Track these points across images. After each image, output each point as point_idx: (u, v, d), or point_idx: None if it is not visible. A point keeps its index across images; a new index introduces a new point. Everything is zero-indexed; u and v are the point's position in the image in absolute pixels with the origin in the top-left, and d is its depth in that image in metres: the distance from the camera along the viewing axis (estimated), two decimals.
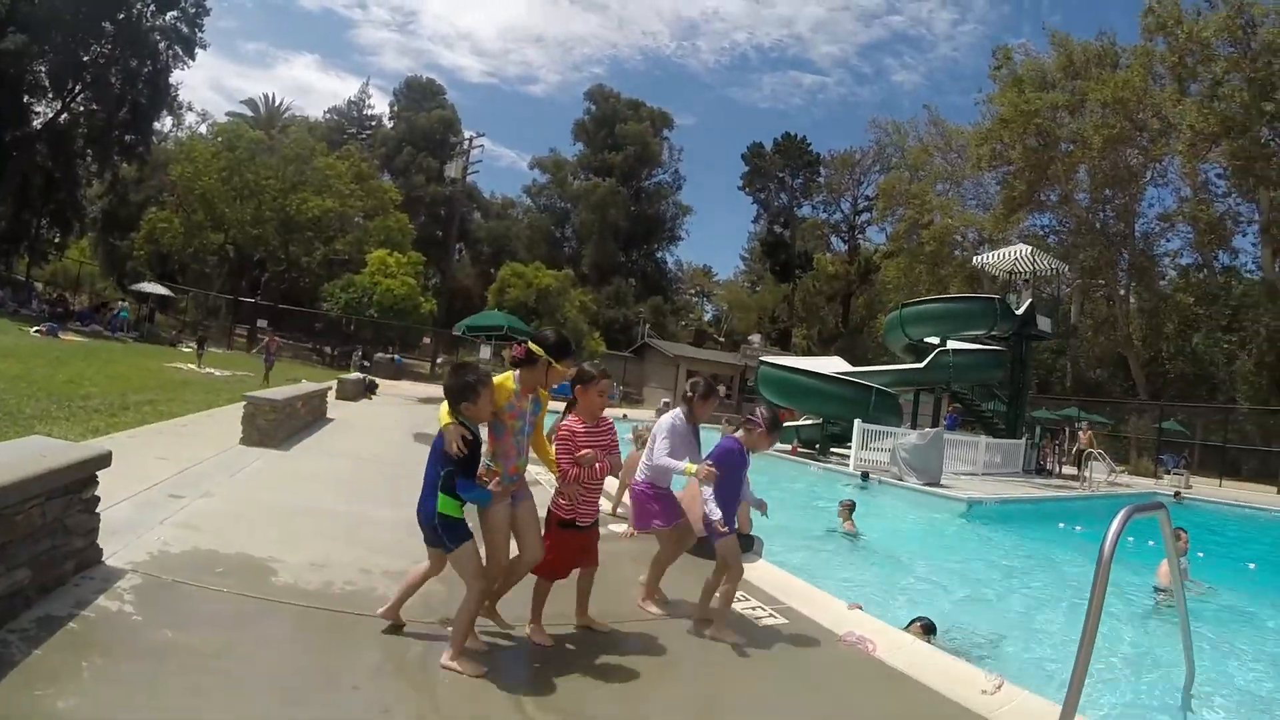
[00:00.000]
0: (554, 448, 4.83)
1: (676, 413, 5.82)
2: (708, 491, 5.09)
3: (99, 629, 3.85)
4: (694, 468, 5.21)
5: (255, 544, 5.62)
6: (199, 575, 4.79)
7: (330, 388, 16.83)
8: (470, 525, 4.33)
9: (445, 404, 4.37)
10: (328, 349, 41.57)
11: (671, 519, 5.65)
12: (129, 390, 13.81)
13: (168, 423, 10.94)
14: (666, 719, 4.06)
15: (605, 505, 9.04)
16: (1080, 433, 22.61)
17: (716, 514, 5.04)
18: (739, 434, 5.52)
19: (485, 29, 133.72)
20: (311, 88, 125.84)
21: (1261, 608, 9.33)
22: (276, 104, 61.35)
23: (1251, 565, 12.44)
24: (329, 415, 14.58)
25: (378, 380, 23.13)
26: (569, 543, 4.88)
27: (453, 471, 4.22)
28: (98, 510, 4.56)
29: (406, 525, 6.88)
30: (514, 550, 4.78)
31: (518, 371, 4.66)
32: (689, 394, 5.85)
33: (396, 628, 4.50)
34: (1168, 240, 40.90)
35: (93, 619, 3.92)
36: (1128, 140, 36.29)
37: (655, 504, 5.64)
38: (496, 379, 4.54)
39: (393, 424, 15.78)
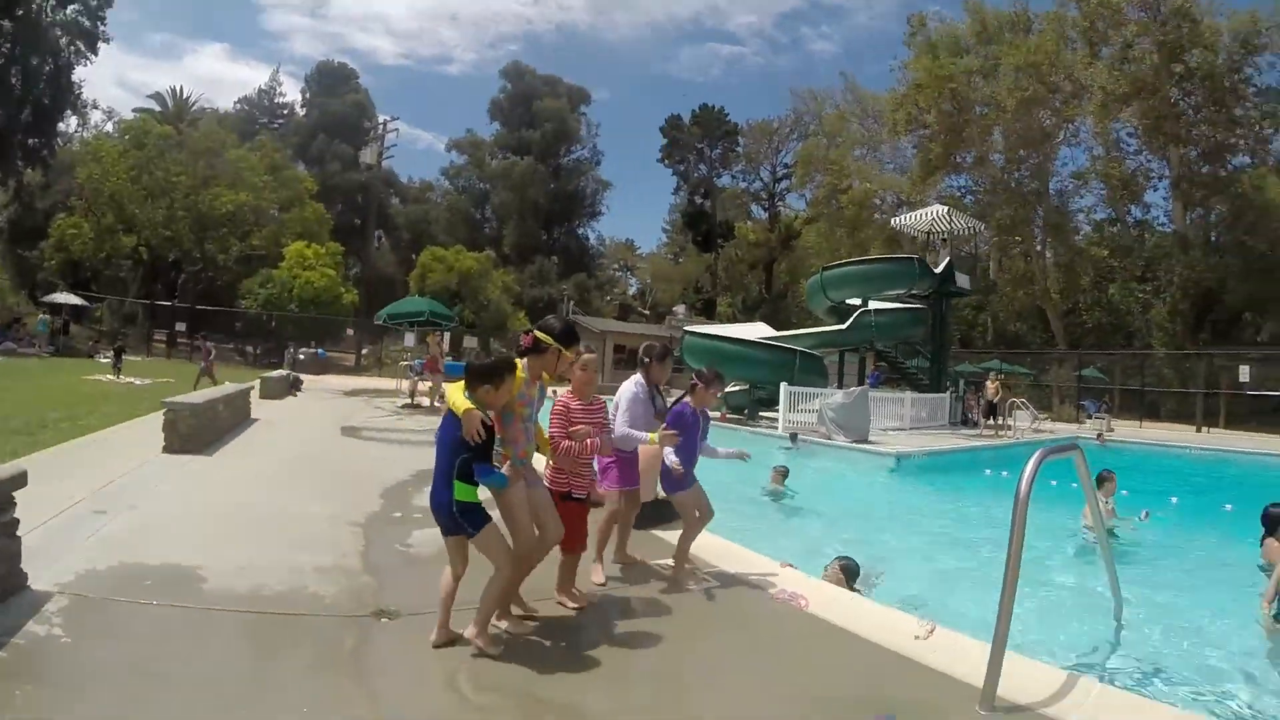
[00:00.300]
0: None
1: (636, 379, 5.92)
2: (669, 454, 5.45)
3: (29, 656, 3.78)
4: (655, 436, 5.42)
5: (183, 553, 5.55)
6: (127, 591, 4.72)
7: (253, 387, 16.53)
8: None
9: (459, 389, 4.42)
10: (250, 348, 40.55)
11: (625, 484, 5.81)
12: (47, 408, 13.36)
13: (88, 437, 10.62)
14: (617, 687, 4.10)
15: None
16: (988, 384, 22.98)
17: (677, 463, 5.45)
18: (687, 398, 5.84)
19: (399, 9, 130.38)
20: (221, 78, 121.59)
21: (1183, 539, 9.71)
22: (185, 97, 59.41)
23: (1173, 499, 12.85)
24: (253, 415, 14.29)
25: (302, 377, 22.71)
26: (571, 513, 5.04)
27: (469, 458, 4.27)
28: (18, 534, 4.46)
29: (333, 519, 6.96)
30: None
31: (524, 360, 4.74)
32: (645, 359, 6.05)
33: (452, 641, 4.38)
34: (1081, 197, 42.15)
35: (22, 646, 3.85)
36: (1041, 102, 37.08)
37: (614, 467, 5.74)
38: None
39: (318, 419, 15.57)
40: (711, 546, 6.73)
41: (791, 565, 6.49)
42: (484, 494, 4.31)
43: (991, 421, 22.42)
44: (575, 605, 5.13)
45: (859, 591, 6.26)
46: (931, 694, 4.05)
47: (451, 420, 4.34)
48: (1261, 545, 8.31)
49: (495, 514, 4.48)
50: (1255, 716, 4.92)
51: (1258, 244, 34.15)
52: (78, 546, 5.50)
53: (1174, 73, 33.85)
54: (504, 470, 4.47)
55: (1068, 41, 38.19)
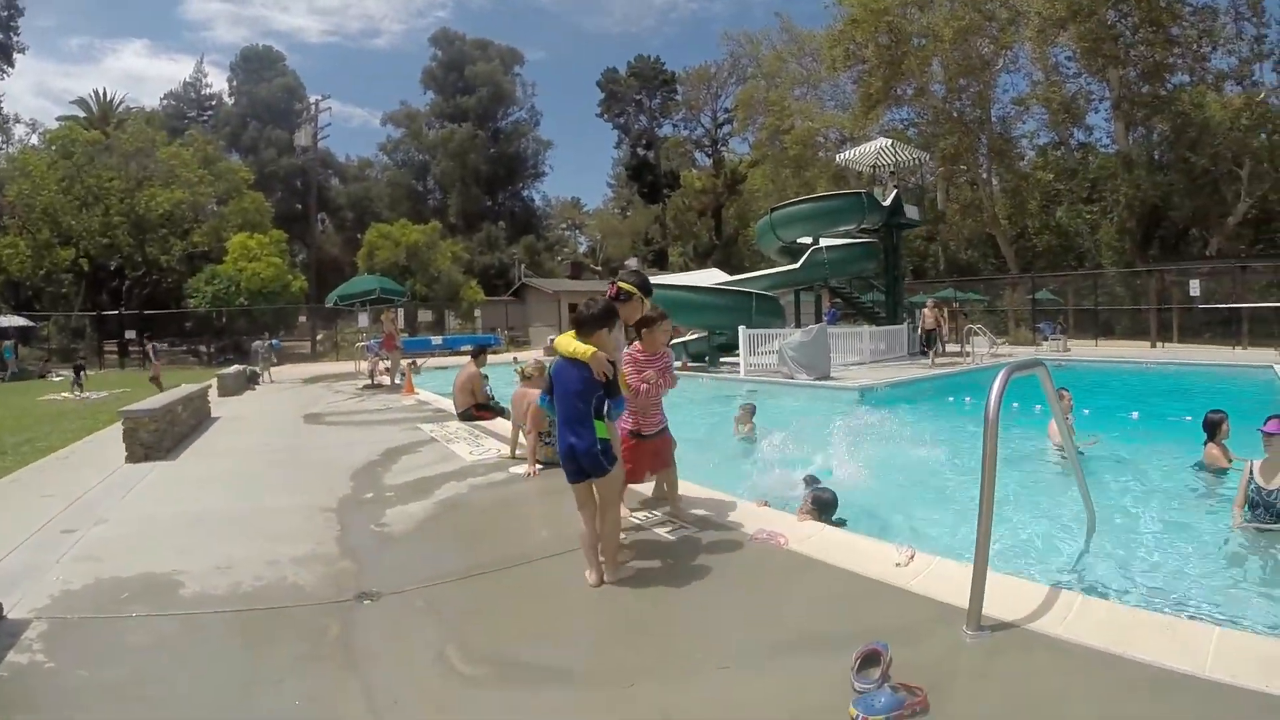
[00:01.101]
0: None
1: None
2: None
3: (13, 686, 3.72)
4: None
5: (157, 561, 5.46)
6: (106, 607, 4.66)
7: (210, 385, 16.29)
8: None
9: (568, 339, 4.78)
10: (203, 348, 39.86)
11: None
12: (5, 432, 13.10)
13: (50, 458, 10.42)
14: (601, 642, 4.17)
15: (504, 449, 9.15)
16: (924, 311, 23.02)
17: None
18: (635, 343, 5.85)
19: None
20: (144, 75, 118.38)
21: (1149, 451, 9.82)
22: (109, 99, 57.57)
23: (1134, 415, 13.11)
24: (214, 414, 14.10)
25: (257, 369, 22.40)
26: (641, 449, 5.72)
27: (601, 398, 4.63)
28: None
29: (305, 508, 6.91)
30: None
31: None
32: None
33: (604, 580, 4.74)
34: (1024, 123, 42.17)
35: (5, 677, 3.78)
36: (978, 31, 37.04)
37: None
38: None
39: (280, 410, 15.35)
40: (686, 492, 6.77)
41: (768, 504, 6.54)
42: None
43: (931, 351, 22.11)
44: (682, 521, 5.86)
45: (843, 523, 6.31)
46: (917, 618, 4.10)
47: (571, 368, 4.70)
48: (1204, 448, 8.62)
49: None
50: (1236, 614, 5.04)
51: (1200, 160, 34.59)
52: (50, 569, 5.39)
53: None
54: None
55: None
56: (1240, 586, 5.61)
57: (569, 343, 4.75)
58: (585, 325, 4.75)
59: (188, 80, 73.83)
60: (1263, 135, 33.30)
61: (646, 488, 6.53)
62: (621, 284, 5.49)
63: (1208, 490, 8.12)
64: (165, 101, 70.52)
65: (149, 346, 22.44)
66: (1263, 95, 33.81)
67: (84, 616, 4.53)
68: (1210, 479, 8.37)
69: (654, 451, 5.82)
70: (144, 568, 5.34)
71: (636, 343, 5.74)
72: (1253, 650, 3.58)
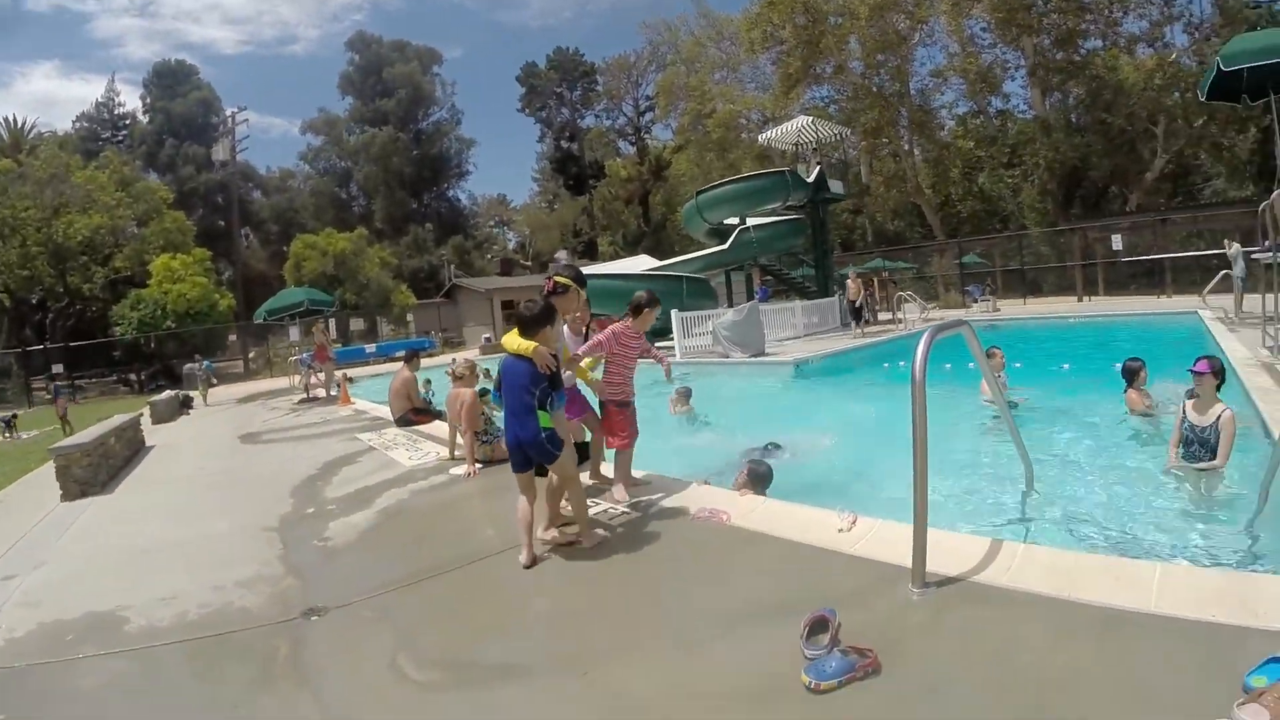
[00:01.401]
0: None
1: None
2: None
3: None
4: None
5: (100, 599, 5.39)
6: (51, 651, 4.60)
7: (142, 414, 15.96)
8: None
9: (513, 336, 5.10)
10: (133, 376, 38.72)
11: (577, 413, 6.25)
12: None
13: None
14: (551, 634, 4.19)
15: (443, 451, 9.15)
16: (848, 284, 23.21)
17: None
18: (626, 323, 6.40)
19: None
20: (55, 98, 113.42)
21: (1081, 401, 10.04)
22: (20, 125, 55.70)
23: (1065, 366, 13.45)
24: (148, 443, 13.80)
25: (191, 393, 21.93)
26: (629, 417, 6.30)
27: (548, 388, 4.98)
28: None
29: (246, 529, 6.88)
30: None
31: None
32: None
33: (536, 560, 5.08)
34: (942, 94, 42.78)
35: None
36: (893, 6, 37.47)
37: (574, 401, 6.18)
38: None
39: (215, 432, 15.08)
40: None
41: (708, 482, 6.63)
42: None
43: (858, 322, 22.14)
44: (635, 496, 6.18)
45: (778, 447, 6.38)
46: (863, 581, 4.19)
47: (517, 363, 5.03)
48: (1125, 395, 8.94)
49: None
50: (1175, 546, 5.23)
51: (1116, 120, 35.47)
52: None
53: None
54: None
55: None
56: (1178, 523, 5.78)
57: (513, 340, 5.07)
58: (527, 325, 5.05)
59: (100, 101, 71.10)
60: (1176, 94, 34.12)
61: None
62: (557, 278, 5.91)
63: (1136, 434, 8.38)
64: (78, 124, 68.06)
65: (52, 385, 21.64)
66: (1174, 56, 34.68)
67: (31, 664, 4.47)
68: (1137, 423, 8.65)
69: (634, 416, 6.37)
70: (88, 607, 5.27)
71: (628, 322, 6.32)
72: (1195, 583, 3.73)
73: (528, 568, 4.96)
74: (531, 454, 5.06)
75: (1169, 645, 3.17)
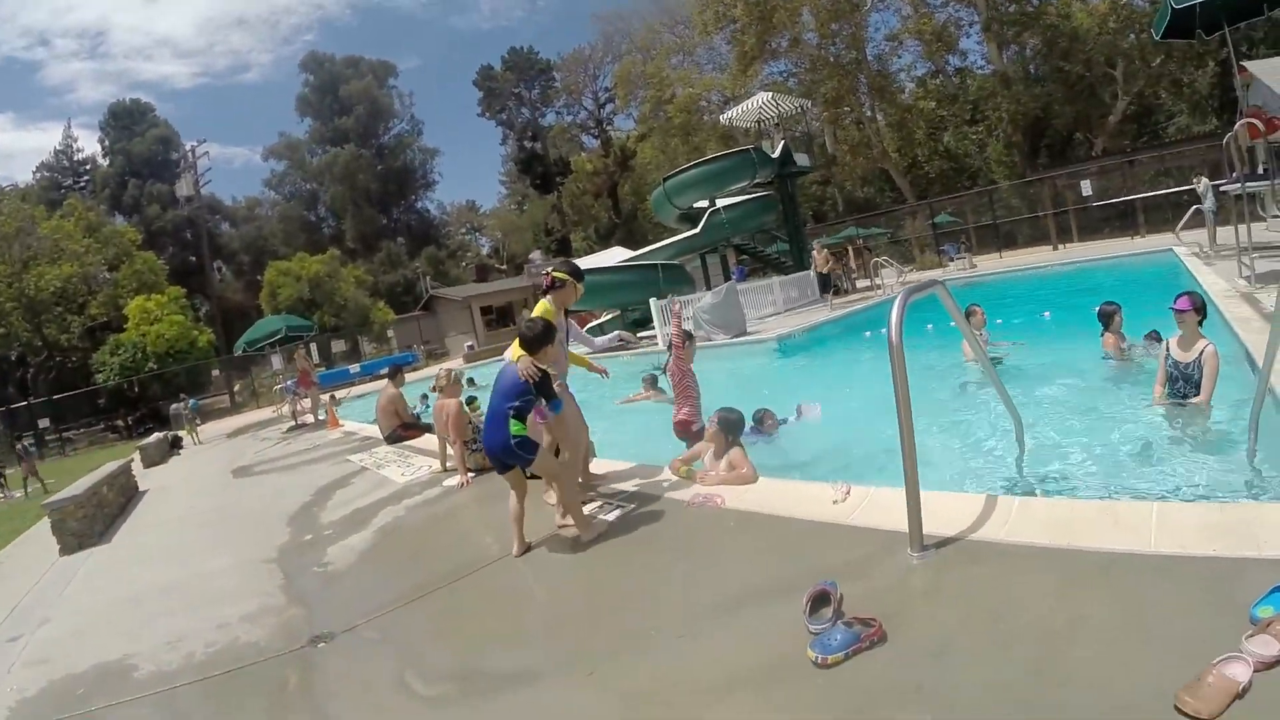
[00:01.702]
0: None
1: None
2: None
3: None
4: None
5: (107, 650, 5.36)
6: (63, 708, 4.56)
7: (133, 459, 15.84)
8: None
9: (515, 346, 5.48)
10: (120, 422, 38.38)
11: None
12: None
13: None
14: (556, 636, 4.17)
15: (435, 464, 9.14)
16: (814, 255, 23.06)
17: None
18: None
19: (182, 27, 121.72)
20: (12, 150, 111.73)
21: (1065, 349, 9.94)
22: None
23: (1046, 314, 13.44)
24: (141, 487, 13.70)
25: (180, 433, 21.79)
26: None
27: (530, 400, 5.20)
28: None
29: (246, 564, 6.88)
30: None
31: (549, 296, 6.06)
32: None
33: (529, 547, 5.45)
34: (900, 57, 42.77)
35: None
36: None
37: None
38: (540, 309, 5.97)
39: (207, 470, 15.04)
40: (614, 468, 6.94)
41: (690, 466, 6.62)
42: None
43: (828, 294, 21.95)
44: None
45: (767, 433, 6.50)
46: (862, 551, 4.19)
47: (508, 371, 5.34)
48: (1101, 339, 8.95)
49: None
50: (1169, 485, 5.21)
51: (1074, 68, 35.71)
52: (2, 680, 5.26)
53: None
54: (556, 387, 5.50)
55: None
56: (1171, 462, 5.75)
57: (513, 350, 5.51)
58: (529, 345, 5.34)
59: (58, 148, 70.25)
60: (1131, 36, 34.28)
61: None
62: (555, 273, 6.15)
63: (1115, 377, 8.39)
64: (39, 174, 67.38)
65: (19, 447, 21.33)
66: None
67: None
68: (1115, 366, 8.66)
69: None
70: (95, 659, 5.25)
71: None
72: (1193, 519, 3.73)
73: (518, 556, 5.30)
74: (503, 459, 5.29)
75: (1172, 584, 3.18)
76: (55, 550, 9.35)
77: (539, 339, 5.34)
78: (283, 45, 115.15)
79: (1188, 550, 3.36)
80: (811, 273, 23.59)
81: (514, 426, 5.12)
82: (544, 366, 5.29)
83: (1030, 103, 36.36)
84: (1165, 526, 3.62)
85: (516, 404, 5.15)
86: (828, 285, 21.67)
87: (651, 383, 12.08)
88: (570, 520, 5.59)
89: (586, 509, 5.90)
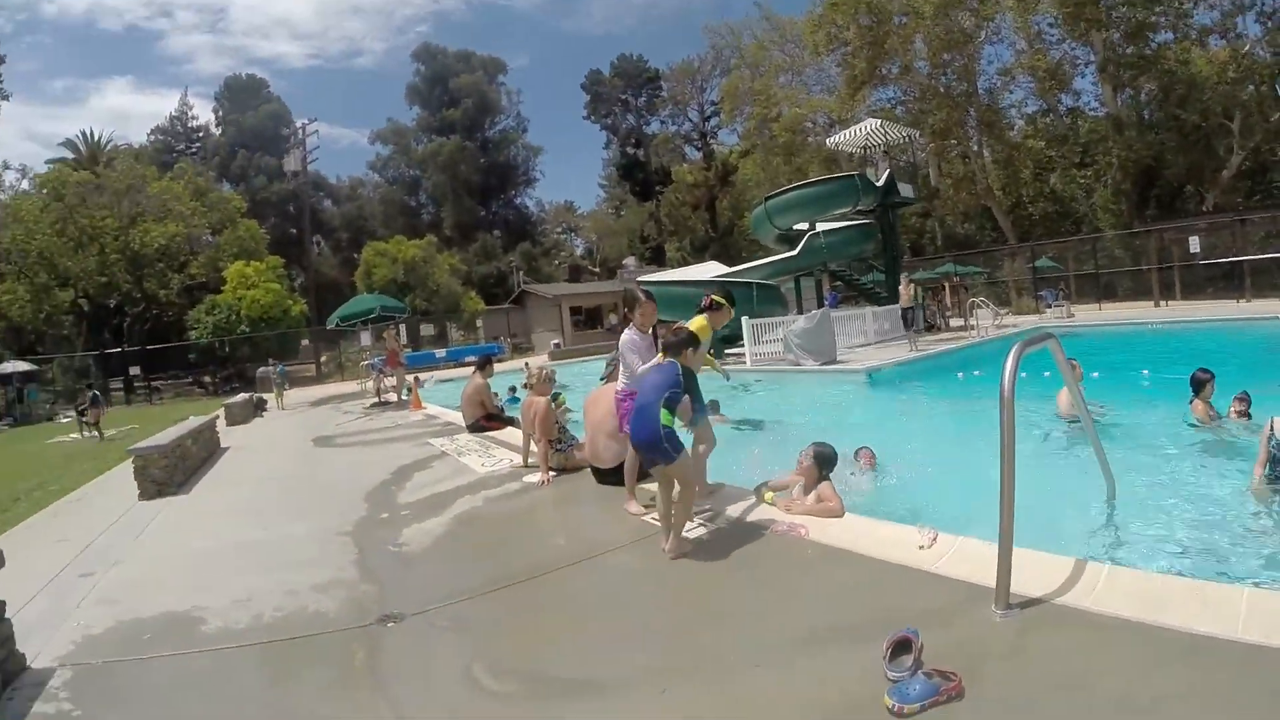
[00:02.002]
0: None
1: (630, 330, 6.60)
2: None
3: None
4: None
5: (176, 599, 5.41)
6: (129, 649, 4.61)
7: (218, 416, 16.25)
8: None
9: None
10: (207, 378, 39.64)
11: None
12: (17, 479, 12.93)
13: (62, 501, 10.33)
14: (627, 649, 4.06)
15: (516, 458, 9.12)
16: (901, 290, 22.06)
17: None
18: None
19: (301, 10, 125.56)
20: (130, 112, 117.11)
21: (1163, 412, 9.51)
22: (97, 139, 57.23)
23: (1145, 373, 12.92)
24: (224, 444, 14.07)
25: (265, 396, 22.31)
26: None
27: (679, 392, 5.34)
28: (7, 616, 4.27)
29: (321, 533, 6.90)
30: None
31: (706, 315, 6.61)
32: (625, 312, 6.96)
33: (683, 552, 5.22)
34: (1011, 92, 42.00)
35: None
36: (958, 4, 36.94)
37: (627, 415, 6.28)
38: (695, 324, 6.39)
39: (289, 435, 15.35)
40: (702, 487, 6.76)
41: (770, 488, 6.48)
42: None
43: (912, 329, 20.57)
44: (639, 510, 6.31)
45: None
46: (945, 600, 4.08)
47: (655, 371, 5.61)
48: (1191, 405, 8.59)
49: None
50: (1264, 575, 4.94)
51: (1190, 116, 34.60)
52: (71, 615, 5.33)
53: None
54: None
55: None
56: (1266, 546, 5.49)
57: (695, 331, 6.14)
58: (674, 349, 5.75)
59: (173, 114, 73.27)
60: (1250, 87, 33.22)
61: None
62: (715, 297, 6.72)
63: (1208, 448, 8.02)
64: (153, 136, 70.31)
65: (88, 395, 21.88)
66: (1248, 47, 33.74)
67: (108, 661, 4.48)
68: (1205, 435, 8.36)
69: None
70: (164, 606, 5.30)
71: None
72: None
73: (671, 555, 5.18)
74: (645, 453, 5.37)
75: (1256, 673, 3.06)
76: (135, 495, 9.58)
77: (683, 343, 5.79)
78: (396, 35, 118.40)
79: (1275, 641, 3.20)
80: (898, 306, 23.18)
81: (664, 417, 5.14)
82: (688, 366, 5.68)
83: (1142, 150, 35.28)
84: (1255, 613, 3.45)
85: (667, 394, 5.19)
86: (911, 321, 20.96)
87: (715, 407, 11.89)
88: (632, 504, 5.93)
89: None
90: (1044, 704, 3.04)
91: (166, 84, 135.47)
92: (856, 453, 7.92)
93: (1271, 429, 6.32)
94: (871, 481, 7.62)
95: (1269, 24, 33.66)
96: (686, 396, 5.55)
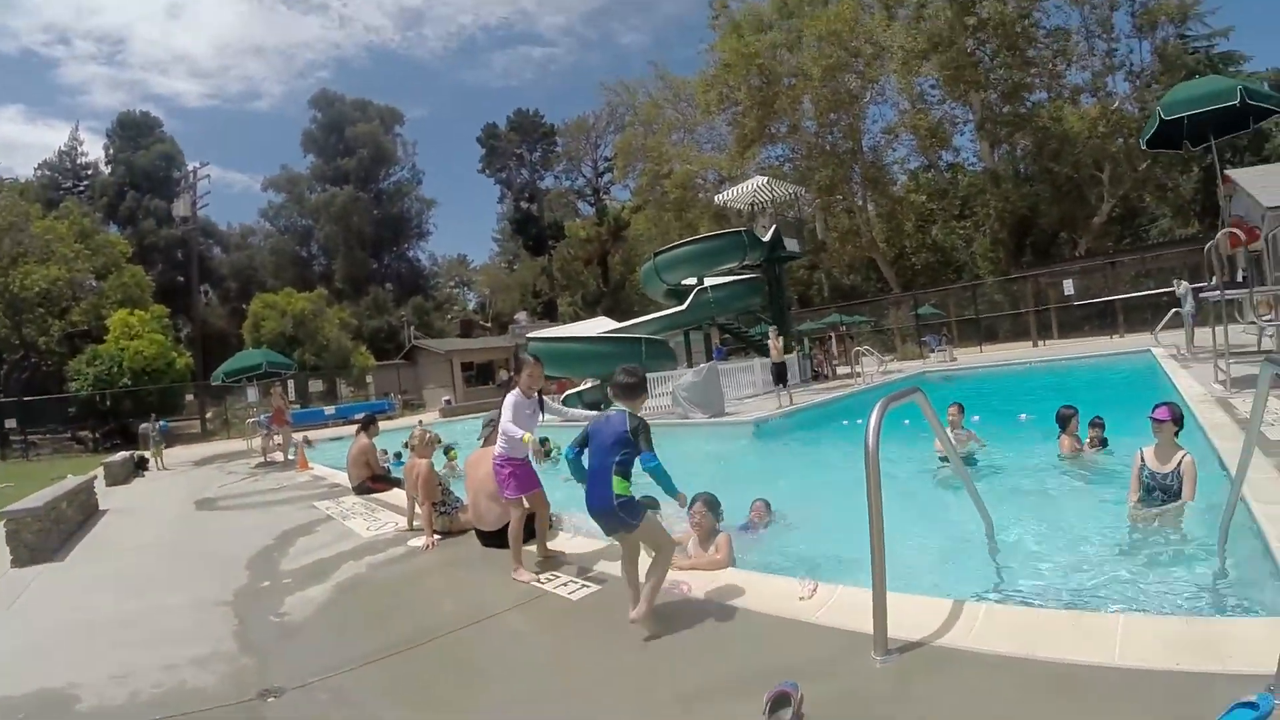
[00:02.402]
0: None
1: (515, 393, 6.37)
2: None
3: None
4: (529, 436, 6.12)
5: (51, 675, 5.29)
6: None
7: (96, 475, 15.74)
8: None
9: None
10: (87, 434, 37.82)
11: (525, 489, 6.44)
12: None
13: None
14: (526, 704, 4.18)
15: (401, 521, 9.14)
16: (771, 341, 22.19)
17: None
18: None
19: (201, 47, 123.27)
20: (17, 143, 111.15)
21: (1039, 452, 9.99)
22: None
23: (1022, 417, 13.30)
24: (102, 506, 13.63)
25: (146, 454, 21.61)
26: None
27: (632, 453, 4.80)
28: None
29: (201, 604, 6.83)
30: None
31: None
32: (509, 376, 6.98)
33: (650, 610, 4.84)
34: (894, 150, 44.14)
35: None
36: (845, 67, 38.79)
37: (512, 478, 6.38)
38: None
39: (170, 498, 14.92)
40: (577, 547, 7.02)
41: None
42: None
43: (782, 386, 20.22)
44: (529, 577, 6.25)
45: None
46: (826, 651, 4.21)
47: (606, 425, 4.96)
48: (1058, 441, 9.35)
49: None
50: (1139, 599, 5.23)
51: (1063, 169, 36.91)
52: None
53: (967, 25, 36.32)
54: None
55: (865, 7, 40.30)
56: (1140, 571, 5.77)
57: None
58: (620, 393, 5.18)
59: (63, 149, 70.64)
60: (1119, 140, 35.57)
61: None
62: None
63: (1084, 479, 8.58)
64: (40, 171, 67.58)
65: None
66: (1116, 104, 36.26)
67: None
68: (1071, 466, 9.01)
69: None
70: (37, 683, 5.18)
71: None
72: (1159, 631, 3.80)
73: (635, 620, 4.81)
74: (604, 524, 5.01)
75: (1134, 698, 3.25)
76: (7, 560, 9.28)
77: (636, 386, 5.25)
78: (296, 78, 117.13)
79: (1151, 664, 3.42)
80: (800, 357, 23.80)
81: (618, 485, 4.77)
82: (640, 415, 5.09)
83: (1018, 201, 37.43)
84: (1130, 639, 3.67)
85: (618, 458, 4.79)
86: (782, 375, 21.20)
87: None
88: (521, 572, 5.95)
89: (550, 585, 6.01)
90: None
91: (59, 115, 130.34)
92: (752, 505, 8.04)
93: (1142, 458, 6.76)
94: (763, 533, 7.78)
95: (1136, 82, 36.18)
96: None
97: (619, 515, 4.82)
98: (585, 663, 4.71)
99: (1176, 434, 6.61)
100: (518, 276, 76.82)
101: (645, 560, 5.15)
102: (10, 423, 35.82)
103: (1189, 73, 31.72)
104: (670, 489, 4.95)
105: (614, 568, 6.19)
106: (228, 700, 4.62)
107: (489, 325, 73.01)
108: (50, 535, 10.00)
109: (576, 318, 52.01)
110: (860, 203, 42.50)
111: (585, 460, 5.04)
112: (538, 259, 73.89)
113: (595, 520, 5.06)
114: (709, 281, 25.72)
